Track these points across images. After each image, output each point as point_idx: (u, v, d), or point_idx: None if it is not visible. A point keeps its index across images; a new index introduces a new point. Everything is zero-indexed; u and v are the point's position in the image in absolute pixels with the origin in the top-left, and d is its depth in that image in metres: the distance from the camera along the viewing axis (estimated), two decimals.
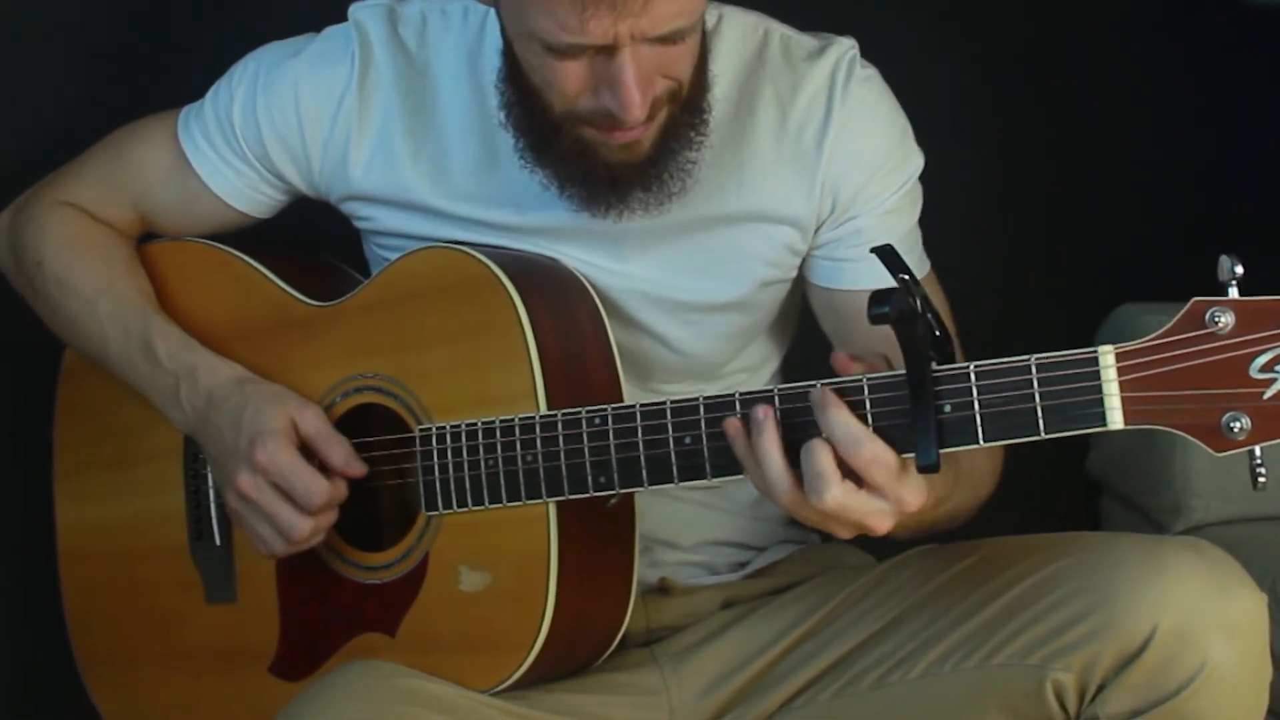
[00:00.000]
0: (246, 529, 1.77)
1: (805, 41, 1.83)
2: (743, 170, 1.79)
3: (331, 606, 1.77)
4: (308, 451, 1.74)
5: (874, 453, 1.48)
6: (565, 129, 1.67)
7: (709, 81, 1.72)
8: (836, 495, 1.49)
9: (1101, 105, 2.59)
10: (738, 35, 1.82)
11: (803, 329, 1.94)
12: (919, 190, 1.85)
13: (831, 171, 1.78)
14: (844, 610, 1.79)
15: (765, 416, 1.52)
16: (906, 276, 1.48)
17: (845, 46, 1.82)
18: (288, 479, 1.71)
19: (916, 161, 1.83)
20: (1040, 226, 2.58)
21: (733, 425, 1.55)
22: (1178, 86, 2.63)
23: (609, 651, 1.76)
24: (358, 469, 1.74)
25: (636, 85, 1.60)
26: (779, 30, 1.84)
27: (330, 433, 1.74)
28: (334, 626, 1.77)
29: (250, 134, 1.85)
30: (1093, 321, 2.43)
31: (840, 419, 1.50)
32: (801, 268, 1.84)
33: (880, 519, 1.51)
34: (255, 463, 1.71)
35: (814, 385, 1.52)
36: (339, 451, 1.74)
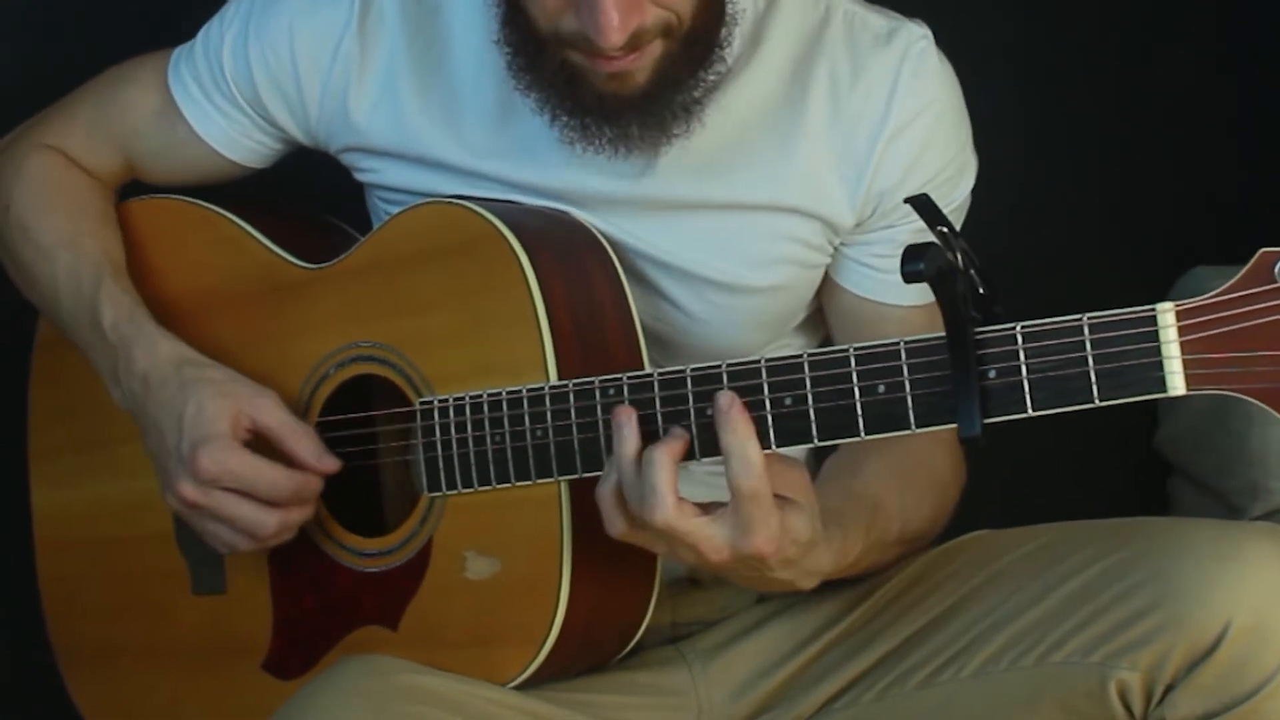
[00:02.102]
0: (198, 530, 1.78)
1: (873, 22, 1.80)
2: (789, 160, 1.78)
3: (328, 597, 1.78)
4: (266, 447, 1.73)
5: (758, 489, 1.52)
6: (550, 49, 1.67)
7: (725, 16, 1.71)
8: (669, 514, 1.54)
9: (1175, 54, 2.59)
10: (797, 7, 1.80)
11: None
12: (966, 204, 1.84)
13: (880, 176, 1.78)
14: (888, 604, 1.79)
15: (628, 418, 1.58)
16: (945, 229, 1.48)
17: (916, 35, 1.79)
18: (246, 480, 1.71)
19: (969, 178, 1.83)
20: (1107, 186, 2.57)
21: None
22: (1258, 36, 2.61)
23: (630, 645, 1.76)
24: (330, 464, 1.74)
25: (615, 7, 1.60)
26: (844, 5, 1.81)
27: (293, 423, 1.74)
28: (331, 619, 1.78)
29: (241, 78, 1.86)
30: (1162, 286, 2.42)
31: (736, 442, 1.53)
32: None
33: (714, 548, 1.55)
34: (201, 474, 1.71)
35: (846, 349, 1.54)
36: (306, 445, 1.73)
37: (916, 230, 1.77)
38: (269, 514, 1.72)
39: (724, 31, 1.71)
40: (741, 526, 1.54)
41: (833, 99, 1.78)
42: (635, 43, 1.63)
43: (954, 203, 1.82)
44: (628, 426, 1.57)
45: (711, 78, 1.71)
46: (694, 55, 1.69)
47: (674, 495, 1.54)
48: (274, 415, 1.74)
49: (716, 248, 1.79)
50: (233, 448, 1.71)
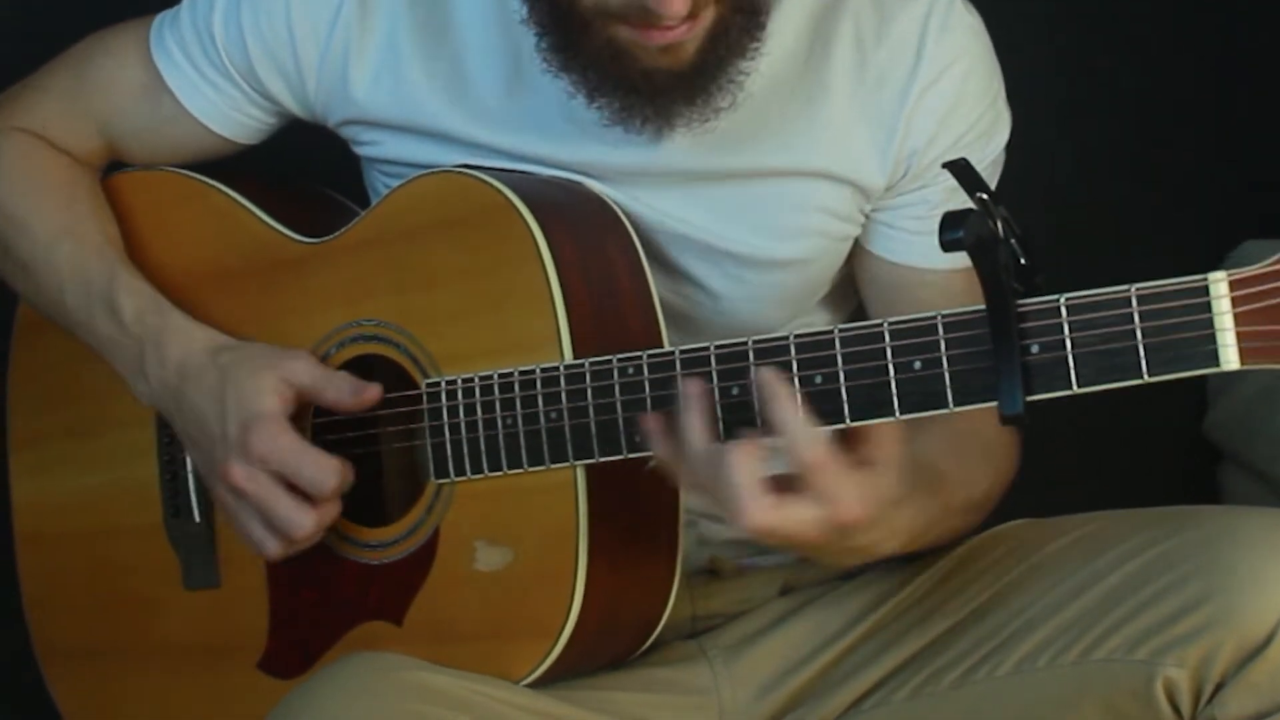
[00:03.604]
0: (237, 526, 1.79)
1: None
2: (813, 122, 1.80)
3: (328, 592, 1.80)
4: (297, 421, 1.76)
5: (817, 455, 1.53)
6: (595, 27, 1.66)
7: None
8: (764, 513, 1.53)
9: (1220, 25, 2.60)
10: None
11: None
12: (1000, 161, 1.86)
13: (911, 134, 1.80)
14: (921, 597, 1.81)
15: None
16: (985, 196, 1.49)
17: None
18: (292, 465, 1.73)
19: (1004, 131, 1.85)
20: (1154, 158, 2.58)
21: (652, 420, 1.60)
22: None
23: (649, 640, 1.78)
24: (372, 393, 1.76)
25: None
26: None
27: (324, 372, 1.77)
28: (332, 615, 1.79)
29: (234, 48, 1.87)
30: (1210, 261, 2.43)
31: (785, 418, 1.54)
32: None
33: (804, 532, 1.54)
34: (252, 452, 1.73)
35: (880, 323, 1.55)
36: (342, 386, 1.76)
37: (951, 188, 1.78)
38: (307, 513, 1.74)
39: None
40: (822, 500, 1.54)
41: (858, 57, 1.80)
42: (694, 9, 1.63)
43: (988, 158, 1.84)
44: (694, 410, 1.58)
45: (755, 46, 1.72)
46: (743, 23, 1.70)
47: (759, 495, 1.53)
48: (307, 371, 1.76)
49: (737, 219, 1.81)
50: (284, 427, 1.74)
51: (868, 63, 1.80)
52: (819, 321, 1.92)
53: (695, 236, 1.81)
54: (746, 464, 1.53)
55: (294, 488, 1.74)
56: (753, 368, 1.58)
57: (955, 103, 1.81)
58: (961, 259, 1.76)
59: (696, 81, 1.70)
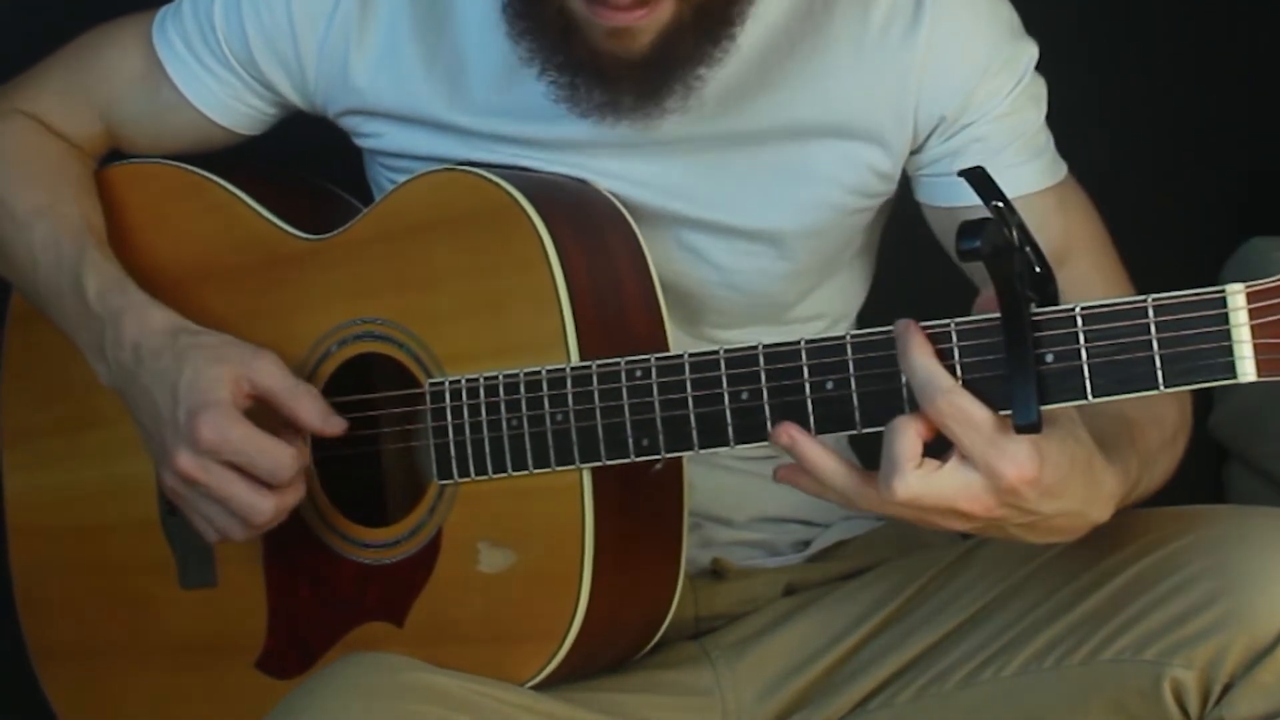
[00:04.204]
0: (190, 515, 1.80)
1: None
2: (816, 77, 1.80)
3: (328, 591, 1.81)
4: (262, 415, 1.75)
5: (954, 406, 1.49)
6: None
7: None
8: (909, 484, 1.49)
9: (1232, 14, 2.62)
10: None
11: (885, 276, 1.99)
12: (1040, 85, 1.84)
13: (928, 80, 1.79)
14: (926, 597, 1.81)
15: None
16: (1000, 204, 1.49)
17: None
18: (246, 455, 1.73)
19: (1029, 52, 1.83)
20: (1161, 150, 2.59)
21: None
22: None
23: (653, 642, 1.79)
24: (336, 426, 1.76)
25: None
26: None
27: (294, 383, 1.76)
28: (331, 615, 1.80)
29: (234, 37, 1.88)
30: (1218, 256, 2.45)
31: (919, 362, 1.51)
32: (914, 192, 1.87)
33: (970, 497, 1.51)
34: (201, 443, 1.73)
35: (890, 330, 1.54)
36: (309, 405, 1.75)
37: (997, 117, 1.80)
38: (265, 497, 1.74)
39: (738, 8, 1.72)
40: (977, 462, 1.50)
41: (859, 6, 1.79)
42: None
43: (1021, 83, 1.82)
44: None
45: (719, 55, 1.72)
46: (704, 27, 1.70)
47: (909, 466, 1.50)
48: (273, 377, 1.76)
49: (740, 189, 1.81)
50: (235, 417, 1.74)
51: (869, 10, 1.80)
52: (836, 295, 1.93)
53: (705, 215, 1.82)
54: (904, 433, 1.50)
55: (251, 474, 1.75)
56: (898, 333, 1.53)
57: (967, 39, 1.79)
58: (1028, 181, 1.78)
59: (645, 75, 1.70)
